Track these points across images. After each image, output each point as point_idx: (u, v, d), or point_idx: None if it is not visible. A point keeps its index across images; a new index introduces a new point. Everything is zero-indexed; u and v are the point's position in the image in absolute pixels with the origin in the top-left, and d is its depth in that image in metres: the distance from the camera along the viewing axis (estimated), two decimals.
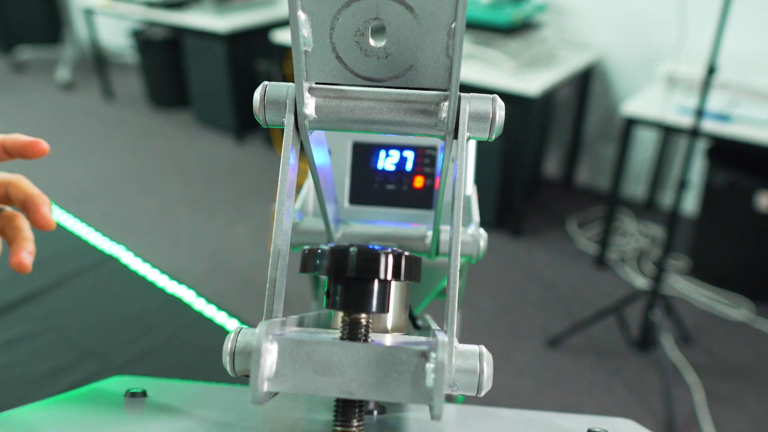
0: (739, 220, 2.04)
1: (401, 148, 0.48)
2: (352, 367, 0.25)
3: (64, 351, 0.97)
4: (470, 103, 0.29)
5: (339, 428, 0.27)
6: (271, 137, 3.25)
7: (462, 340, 0.30)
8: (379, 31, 0.27)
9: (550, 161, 2.99)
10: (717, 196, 2.08)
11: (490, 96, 0.30)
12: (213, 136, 3.45)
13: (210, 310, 1.07)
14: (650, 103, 2.03)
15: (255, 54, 3.18)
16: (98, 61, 3.92)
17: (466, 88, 2.28)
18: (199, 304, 1.08)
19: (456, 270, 0.28)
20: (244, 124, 3.37)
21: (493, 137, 0.30)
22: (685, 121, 1.85)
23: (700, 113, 1.50)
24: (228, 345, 0.28)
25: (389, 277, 0.25)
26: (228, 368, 0.28)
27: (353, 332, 0.26)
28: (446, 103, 0.28)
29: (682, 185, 1.56)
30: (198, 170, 3.08)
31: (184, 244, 2.43)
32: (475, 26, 2.41)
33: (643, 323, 1.86)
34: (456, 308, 0.27)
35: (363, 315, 0.26)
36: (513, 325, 2.02)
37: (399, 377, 0.25)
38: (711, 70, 1.41)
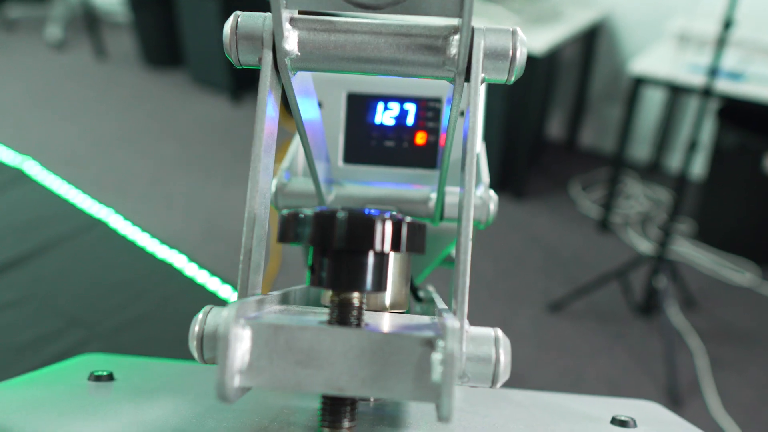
0: (747, 183, 1.99)
1: (402, 99, 0.43)
2: (342, 358, 0.20)
3: (49, 319, 0.93)
4: (485, 38, 0.23)
5: (326, 429, 0.22)
6: None
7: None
8: None
9: (554, 123, 2.92)
10: (725, 157, 2.03)
11: (509, 28, 0.25)
12: (208, 96, 3.37)
13: (202, 276, 1.02)
14: (660, 62, 1.95)
15: (250, 10, 3.07)
16: (90, 20, 3.81)
17: None
18: (191, 270, 1.03)
19: (468, 239, 0.23)
20: (241, 84, 3.28)
21: (513, 79, 0.25)
22: (697, 80, 1.78)
23: (714, 71, 1.43)
24: (195, 328, 0.23)
25: (387, 248, 0.20)
26: (195, 354, 0.23)
27: (343, 315, 0.22)
28: (456, 37, 0.23)
29: (693, 146, 1.50)
30: (193, 131, 3.01)
31: (178, 208, 2.38)
32: None
33: (646, 289, 1.82)
34: (467, 284, 0.23)
35: (355, 294, 0.22)
36: (514, 289, 1.99)
37: (399, 370, 0.20)
38: (727, 25, 1.34)
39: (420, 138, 0.43)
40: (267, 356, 0.20)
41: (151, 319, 0.95)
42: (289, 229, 0.21)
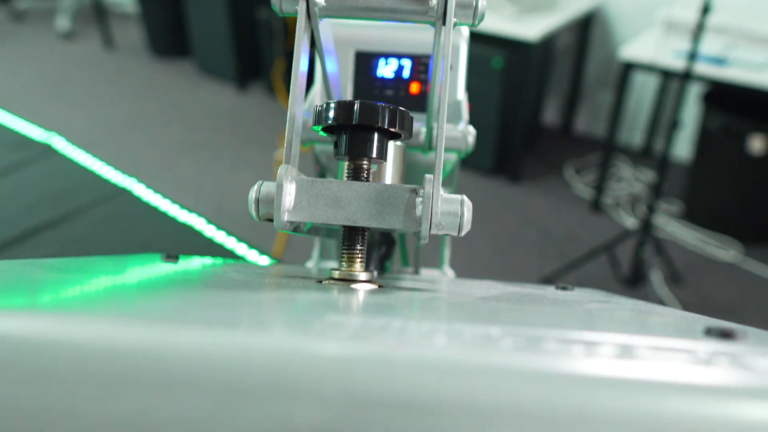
0: (732, 164, 2.09)
1: (399, 56, 0.53)
2: (356, 201, 0.30)
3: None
4: None
5: (345, 252, 0.32)
6: (272, 85, 3.26)
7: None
8: None
9: (550, 109, 3.01)
10: (711, 139, 2.13)
11: None
12: (214, 84, 3.47)
13: (220, 236, 1.13)
14: (648, 48, 2.05)
15: (256, 2, 3.17)
16: (98, 11, 3.90)
17: None
18: (210, 231, 1.14)
19: (442, 138, 0.33)
20: (246, 73, 3.38)
21: (477, 23, 0.35)
22: (682, 64, 1.88)
23: (693, 55, 1.53)
24: (252, 194, 0.33)
25: (386, 125, 0.30)
26: (253, 214, 0.33)
27: (357, 174, 0.32)
28: None
29: (674, 125, 1.60)
30: (200, 119, 3.11)
31: (188, 191, 2.49)
32: None
33: (633, 260, 1.93)
34: (442, 159, 0.33)
35: (364, 160, 0.32)
36: (509, 265, 2.09)
37: (394, 208, 0.30)
38: (705, 10, 1.44)
39: (414, 88, 0.53)
40: (306, 200, 0.31)
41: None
42: (322, 114, 0.31)
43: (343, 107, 0.30)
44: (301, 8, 0.34)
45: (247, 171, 2.62)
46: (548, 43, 2.57)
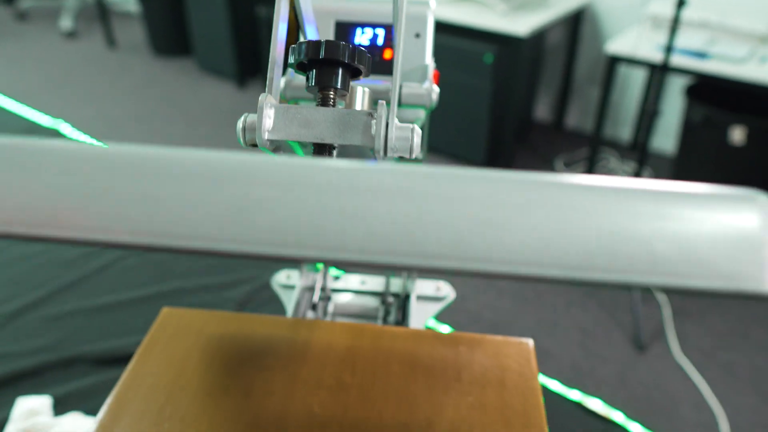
0: (715, 154, 2.16)
1: (374, 26, 0.60)
2: (323, 122, 0.38)
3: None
4: None
5: None
6: None
7: None
8: None
9: (541, 105, 3.09)
10: (694, 132, 2.20)
11: None
12: (215, 82, 3.55)
13: None
14: (633, 42, 2.12)
15: (256, 0, 3.25)
16: (101, 10, 3.98)
17: (458, 29, 2.37)
18: None
19: (398, 76, 0.40)
20: (246, 71, 3.45)
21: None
22: (661, 57, 1.95)
23: (669, 48, 1.60)
24: (239, 124, 0.40)
25: (346, 59, 0.37)
26: (240, 140, 0.41)
27: (324, 102, 0.39)
28: None
29: (654, 114, 1.67)
30: (201, 115, 3.18)
31: None
32: None
33: None
34: (398, 86, 0.40)
35: (331, 90, 0.39)
36: None
37: (354, 128, 0.37)
38: (680, 4, 1.51)
39: (387, 54, 0.60)
40: (282, 123, 0.38)
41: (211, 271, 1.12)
42: (296, 52, 0.38)
43: (313, 45, 0.37)
44: None
45: None
46: (538, 38, 2.65)
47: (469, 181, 0.22)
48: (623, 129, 2.88)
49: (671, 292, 0.21)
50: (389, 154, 0.39)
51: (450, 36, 2.45)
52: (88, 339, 0.90)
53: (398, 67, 0.39)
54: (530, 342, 0.58)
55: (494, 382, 0.54)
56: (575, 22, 2.74)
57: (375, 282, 0.79)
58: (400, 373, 0.54)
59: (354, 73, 0.40)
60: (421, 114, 0.61)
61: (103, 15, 3.99)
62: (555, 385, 0.92)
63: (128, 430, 0.48)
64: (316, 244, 0.21)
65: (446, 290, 0.78)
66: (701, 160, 2.22)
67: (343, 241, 0.21)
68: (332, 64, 0.38)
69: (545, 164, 2.76)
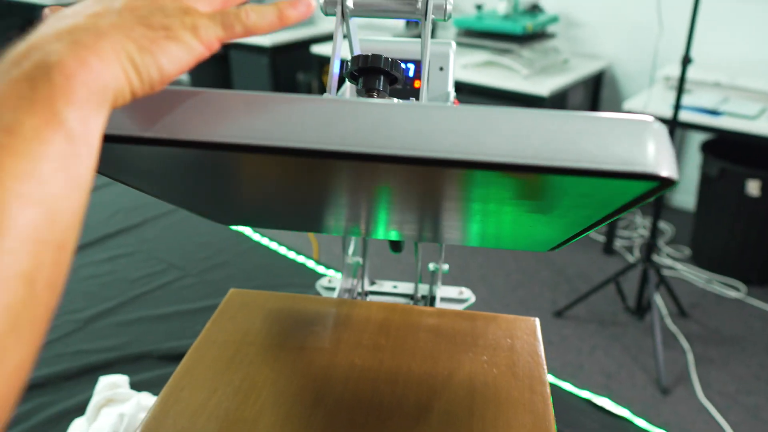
0: (732, 207, 2.24)
1: (407, 61, 0.74)
2: None
3: (154, 264, 1.25)
4: (432, 0, 0.55)
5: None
6: None
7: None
8: None
9: None
10: (711, 185, 2.29)
11: None
12: None
13: (265, 241, 1.34)
14: (647, 102, 2.26)
15: (296, 66, 3.51)
16: None
17: (485, 91, 2.54)
18: (256, 237, 1.35)
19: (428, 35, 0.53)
20: None
21: (446, 18, 0.56)
22: (680, 116, 2.08)
23: (678, 102, 1.73)
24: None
25: (383, 66, 0.51)
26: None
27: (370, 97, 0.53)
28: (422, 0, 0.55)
29: None
30: None
31: None
32: (493, 35, 2.68)
33: (639, 289, 2.07)
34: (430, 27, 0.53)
35: (375, 92, 0.52)
36: (523, 299, 2.25)
37: None
38: (686, 62, 1.65)
39: (417, 84, 0.74)
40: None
41: (228, 265, 1.26)
42: (350, 65, 0.52)
43: (362, 57, 0.51)
44: (338, 10, 0.56)
45: (285, 235, 2.85)
46: (560, 99, 2.81)
47: (463, 111, 0.34)
48: None
49: (588, 175, 0.33)
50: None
51: (478, 97, 2.62)
52: (152, 341, 1.02)
53: (424, 94, 0.52)
54: (536, 320, 0.69)
55: (504, 347, 0.64)
56: (595, 85, 2.90)
57: (405, 286, 0.90)
58: (426, 338, 0.65)
59: (392, 80, 0.53)
60: None
61: None
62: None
63: (204, 374, 0.60)
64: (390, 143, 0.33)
65: (467, 294, 0.89)
66: (720, 212, 2.30)
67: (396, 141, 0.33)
68: (375, 71, 0.52)
69: None
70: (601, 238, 2.65)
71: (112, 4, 0.33)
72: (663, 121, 2.15)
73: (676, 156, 0.33)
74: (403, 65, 0.76)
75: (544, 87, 2.46)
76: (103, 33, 0.31)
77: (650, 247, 1.97)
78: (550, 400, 0.58)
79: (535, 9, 2.81)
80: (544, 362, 0.63)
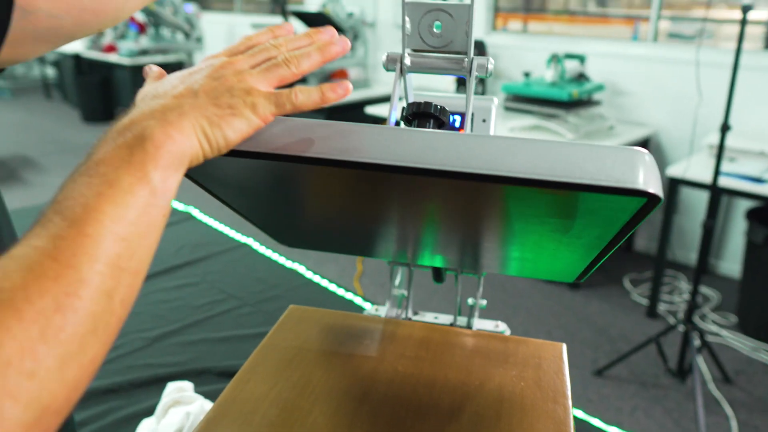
0: None
1: (454, 113, 0.85)
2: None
3: (215, 293, 1.36)
4: (476, 60, 0.66)
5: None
6: None
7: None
8: (437, 24, 0.65)
9: None
10: (757, 252, 2.30)
11: (486, 57, 0.67)
12: None
13: (316, 278, 1.44)
14: (690, 168, 2.31)
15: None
16: None
17: None
18: (309, 274, 1.46)
19: (471, 94, 0.64)
20: None
21: (488, 75, 0.67)
22: (724, 183, 2.12)
23: (717, 168, 1.79)
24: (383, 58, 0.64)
25: (433, 111, 0.61)
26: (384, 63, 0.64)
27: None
28: (467, 58, 0.66)
29: (707, 230, 1.83)
30: None
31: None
32: (539, 101, 2.80)
33: (680, 352, 2.07)
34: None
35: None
36: None
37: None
38: (725, 129, 1.72)
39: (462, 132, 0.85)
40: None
41: (282, 298, 1.36)
42: (405, 110, 0.62)
43: (416, 104, 0.62)
44: (398, 66, 0.67)
45: (332, 265, 2.96)
46: None
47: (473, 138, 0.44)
48: (689, 253, 2.98)
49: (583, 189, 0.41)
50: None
51: None
52: (212, 359, 1.12)
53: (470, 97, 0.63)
54: (564, 345, 0.76)
55: (532, 364, 0.71)
56: None
57: (445, 317, 0.98)
58: (462, 354, 0.73)
59: (440, 124, 0.64)
60: None
61: None
62: None
63: (266, 371, 0.69)
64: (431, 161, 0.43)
65: (503, 326, 0.96)
66: (766, 279, 2.29)
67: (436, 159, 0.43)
68: (426, 115, 0.62)
69: (613, 282, 2.87)
70: (645, 302, 2.65)
71: (192, 86, 0.43)
72: (705, 186, 2.19)
73: (661, 180, 0.42)
74: (450, 116, 0.87)
75: None
76: (185, 113, 0.41)
77: (691, 308, 1.98)
78: (571, 410, 0.65)
79: (581, 77, 2.93)
80: (568, 380, 0.70)
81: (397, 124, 0.71)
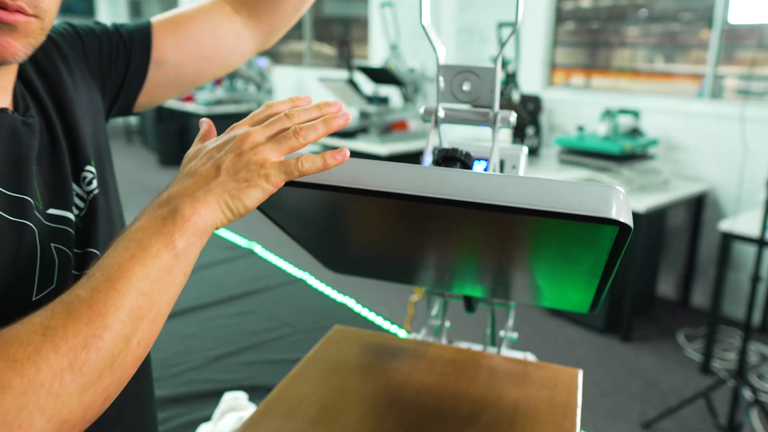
0: None
1: (479, 158, 0.95)
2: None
3: (271, 321, 1.48)
4: (500, 113, 0.77)
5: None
6: None
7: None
8: (467, 83, 0.76)
9: (665, 282, 3.22)
10: None
11: (509, 111, 0.77)
12: None
13: (364, 312, 1.54)
14: (745, 223, 2.31)
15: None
16: None
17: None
18: (358, 308, 1.56)
19: (497, 140, 0.74)
20: None
21: (510, 127, 0.78)
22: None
23: (764, 224, 1.80)
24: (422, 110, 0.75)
25: (458, 155, 0.71)
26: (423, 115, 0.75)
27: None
28: (491, 111, 0.77)
29: (755, 280, 1.83)
30: None
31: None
32: (592, 154, 2.86)
33: (731, 408, 2.03)
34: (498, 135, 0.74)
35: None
36: (611, 407, 2.25)
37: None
38: None
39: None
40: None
41: (331, 327, 1.47)
42: (436, 155, 0.73)
43: (443, 149, 0.72)
44: (433, 118, 0.78)
45: (384, 307, 3.05)
46: (657, 217, 2.88)
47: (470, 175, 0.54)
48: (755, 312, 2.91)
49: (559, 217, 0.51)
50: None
51: None
52: (265, 378, 1.23)
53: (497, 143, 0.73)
54: (580, 371, 0.83)
55: (548, 385, 0.79)
56: (697, 206, 2.96)
57: (477, 347, 1.06)
58: (484, 373, 0.81)
59: (465, 166, 0.74)
60: None
61: None
62: None
63: (310, 378, 0.80)
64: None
65: (531, 357, 1.03)
66: None
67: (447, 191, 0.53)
68: (453, 159, 0.73)
69: (665, 337, 2.83)
70: (698, 357, 2.61)
71: (218, 163, 0.51)
72: (753, 240, 2.19)
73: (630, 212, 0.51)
74: (481, 162, 0.98)
75: (640, 204, 2.58)
76: (210, 190, 0.49)
77: (742, 362, 1.96)
78: (579, 426, 0.71)
79: (635, 132, 2.98)
80: (580, 400, 0.76)
81: None
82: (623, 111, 2.99)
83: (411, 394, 0.76)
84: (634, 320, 2.82)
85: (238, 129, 0.54)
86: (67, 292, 0.45)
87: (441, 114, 0.79)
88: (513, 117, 0.78)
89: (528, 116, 3.34)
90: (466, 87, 0.78)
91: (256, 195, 0.51)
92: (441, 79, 0.77)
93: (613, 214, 0.49)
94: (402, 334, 1.46)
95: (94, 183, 0.69)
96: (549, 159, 3.37)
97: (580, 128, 3.08)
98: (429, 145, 0.79)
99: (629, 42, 3.48)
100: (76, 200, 0.66)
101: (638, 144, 2.85)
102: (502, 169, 0.96)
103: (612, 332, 2.81)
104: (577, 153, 3.01)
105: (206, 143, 0.55)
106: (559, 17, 3.65)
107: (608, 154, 2.82)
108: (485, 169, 0.91)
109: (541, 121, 3.44)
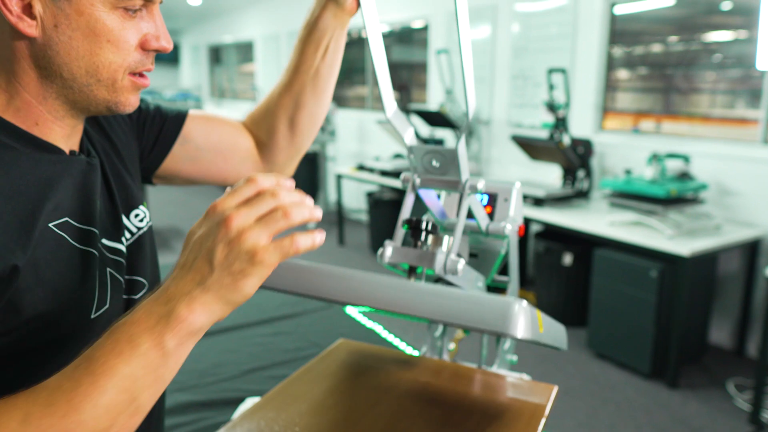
0: None
1: (486, 193, 1.05)
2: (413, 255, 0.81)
3: (303, 341, 1.60)
4: (469, 180, 0.86)
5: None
6: None
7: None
8: (434, 160, 0.87)
9: (720, 330, 3.13)
10: None
11: (477, 177, 0.86)
12: None
13: (390, 337, 1.64)
14: None
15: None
16: (339, 216, 5.00)
17: (629, 247, 2.68)
18: (384, 333, 1.66)
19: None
20: None
21: (478, 192, 0.86)
22: None
23: None
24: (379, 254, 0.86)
25: (423, 226, 0.81)
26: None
27: (415, 245, 0.83)
28: (461, 182, 0.86)
29: None
30: None
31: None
32: (639, 197, 2.87)
33: None
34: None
35: (419, 241, 0.83)
36: None
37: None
38: None
39: (488, 209, 1.04)
40: (395, 255, 0.83)
41: None
42: (405, 226, 0.83)
43: (410, 220, 0.82)
44: (409, 185, 0.87)
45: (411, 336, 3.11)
46: (707, 262, 2.84)
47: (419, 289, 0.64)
48: None
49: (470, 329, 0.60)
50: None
51: (622, 253, 2.78)
52: None
53: (459, 225, 0.83)
54: (556, 387, 0.90)
55: (523, 394, 0.87)
56: (752, 252, 2.89)
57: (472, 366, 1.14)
58: (467, 382, 0.90)
59: (431, 232, 0.83)
60: (503, 244, 1.02)
61: (340, 220, 4.99)
62: None
63: (314, 376, 0.91)
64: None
65: (527, 378, 1.10)
66: None
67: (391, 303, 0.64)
68: (418, 229, 0.82)
69: (715, 385, 2.76)
70: (747, 407, 2.53)
71: (209, 258, 0.49)
72: None
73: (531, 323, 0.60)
74: (482, 196, 1.07)
75: (685, 248, 2.56)
76: (208, 288, 0.49)
77: None
78: (541, 427, 0.79)
79: (684, 176, 2.97)
80: (548, 410, 0.84)
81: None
82: (671, 155, 2.99)
83: (393, 397, 0.86)
84: (683, 367, 2.77)
85: (220, 208, 0.52)
86: (54, 377, 0.48)
87: (417, 181, 0.87)
88: (481, 184, 0.85)
89: (578, 160, 3.38)
90: (435, 163, 0.85)
91: (254, 283, 0.50)
92: (412, 156, 0.84)
93: (512, 330, 0.59)
94: None
95: (145, 221, 0.76)
96: (599, 201, 3.38)
97: (628, 172, 3.10)
98: (405, 211, 0.86)
99: (698, 87, 3.47)
100: (125, 233, 0.73)
101: (686, 188, 2.84)
102: (495, 202, 1.05)
103: (658, 378, 2.77)
104: (625, 196, 3.02)
105: (192, 228, 0.53)
106: (611, 64, 3.70)
107: (654, 198, 2.82)
108: (487, 203, 0.99)
109: (592, 164, 3.47)
